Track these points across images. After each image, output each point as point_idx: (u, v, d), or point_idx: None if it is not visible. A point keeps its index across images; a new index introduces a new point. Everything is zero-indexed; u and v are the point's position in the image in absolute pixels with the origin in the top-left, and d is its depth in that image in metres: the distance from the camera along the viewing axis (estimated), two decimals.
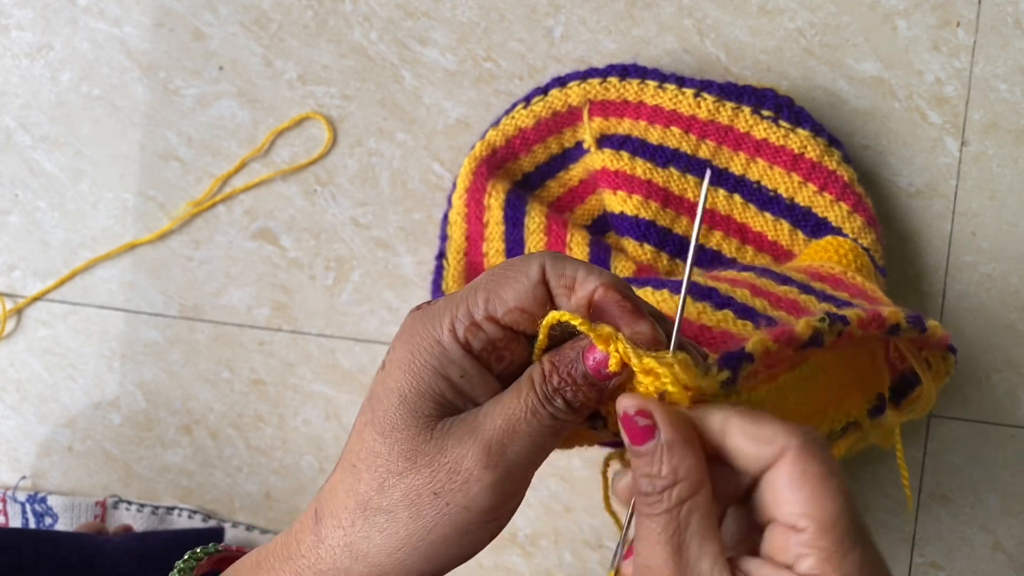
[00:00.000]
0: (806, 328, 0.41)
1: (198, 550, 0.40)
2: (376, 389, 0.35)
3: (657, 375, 0.33)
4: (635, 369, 0.34)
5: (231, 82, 0.69)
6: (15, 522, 0.70)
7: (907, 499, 0.53)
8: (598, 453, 0.67)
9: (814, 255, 0.58)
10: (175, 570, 0.38)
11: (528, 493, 0.69)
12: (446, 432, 0.34)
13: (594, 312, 0.34)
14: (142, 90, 0.70)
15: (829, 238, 0.59)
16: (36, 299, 0.71)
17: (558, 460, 0.68)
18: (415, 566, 0.34)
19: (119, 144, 0.70)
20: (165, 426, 0.71)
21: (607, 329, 0.34)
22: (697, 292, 0.50)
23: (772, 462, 0.32)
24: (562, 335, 0.36)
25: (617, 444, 0.40)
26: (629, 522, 0.36)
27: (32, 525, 0.70)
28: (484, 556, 0.69)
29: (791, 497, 0.31)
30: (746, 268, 0.55)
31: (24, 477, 0.72)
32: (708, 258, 0.62)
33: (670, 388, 0.33)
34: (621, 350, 0.34)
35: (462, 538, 0.34)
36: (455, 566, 0.36)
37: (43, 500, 0.70)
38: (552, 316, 0.34)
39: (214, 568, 0.41)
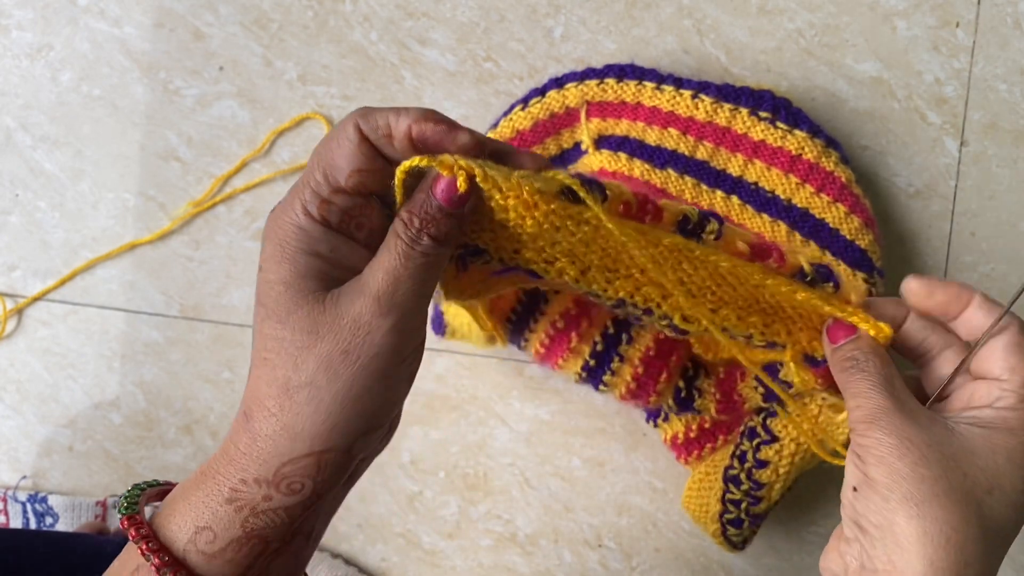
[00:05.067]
0: (670, 205, 0.43)
1: (141, 483, 0.42)
2: (261, 288, 0.38)
3: (499, 186, 0.37)
4: (479, 178, 0.37)
5: (231, 82, 0.69)
6: (16, 522, 0.70)
7: None
8: (598, 453, 0.67)
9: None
10: (121, 498, 0.39)
11: (528, 492, 0.70)
12: (336, 300, 0.37)
13: (419, 149, 0.38)
14: (142, 90, 0.70)
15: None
16: (36, 299, 0.71)
17: (558, 460, 0.68)
18: (349, 424, 0.37)
19: (119, 144, 0.70)
20: (166, 426, 0.71)
21: (446, 157, 0.37)
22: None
23: (994, 331, 0.41)
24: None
25: (509, 269, 0.43)
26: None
27: (33, 525, 0.70)
28: (484, 556, 0.69)
29: (1005, 357, 0.41)
30: None
31: (25, 477, 0.72)
32: None
33: (513, 196, 0.38)
34: (464, 164, 0.37)
35: (382, 383, 0.38)
36: (389, 413, 0.39)
37: (44, 500, 0.70)
38: (399, 171, 0.37)
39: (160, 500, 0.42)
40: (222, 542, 0.37)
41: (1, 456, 0.72)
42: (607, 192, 0.41)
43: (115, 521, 0.70)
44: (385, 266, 0.37)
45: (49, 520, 0.70)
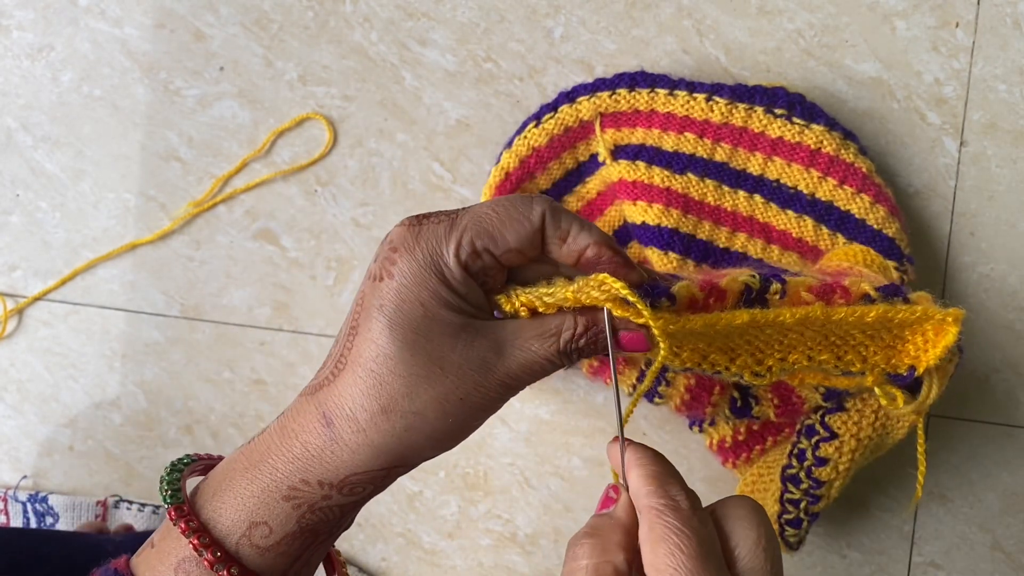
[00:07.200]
0: (732, 283, 0.43)
1: (177, 460, 0.41)
2: (390, 296, 0.37)
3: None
4: (663, 349, 0.39)
5: (232, 83, 0.69)
6: (16, 522, 0.70)
7: (916, 494, 0.53)
8: (597, 452, 0.67)
9: (829, 259, 0.59)
10: (162, 483, 0.39)
11: (528, 493, 0.70)
12: (469, 344, 0.37)
13: (584, 264, 0.39)
14: (143, 91, 0.70)
15: (843, 247, 0.60)
16: (37, 299, 0.71)
17: (558, 460, 0.68)
18: (430, 452, 0.38)
19: (120, 144, 0.70)
20: (166, 426, 0.71)
21: (644, 308, 0.38)
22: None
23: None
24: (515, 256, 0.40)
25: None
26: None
27: (33, 525, 0.70)
28: (484, 555, 0.69)
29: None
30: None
31: (25, 477, 0.72)
32: (735, 261, 0.62)
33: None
34: (658, 327, 0.38)
35: (472, 427, 0.39)
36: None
37: (44, 500, 0.70)
38: (609, 284, 0.38)
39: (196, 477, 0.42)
40: (277, 536, 0.37)
41: (2, 456, 0.72)
42: (676, 298, 0.41)
43: (115, 520, 0.70)
44: (526, 357, 0.38)
45: (49, 520, 0.70)
